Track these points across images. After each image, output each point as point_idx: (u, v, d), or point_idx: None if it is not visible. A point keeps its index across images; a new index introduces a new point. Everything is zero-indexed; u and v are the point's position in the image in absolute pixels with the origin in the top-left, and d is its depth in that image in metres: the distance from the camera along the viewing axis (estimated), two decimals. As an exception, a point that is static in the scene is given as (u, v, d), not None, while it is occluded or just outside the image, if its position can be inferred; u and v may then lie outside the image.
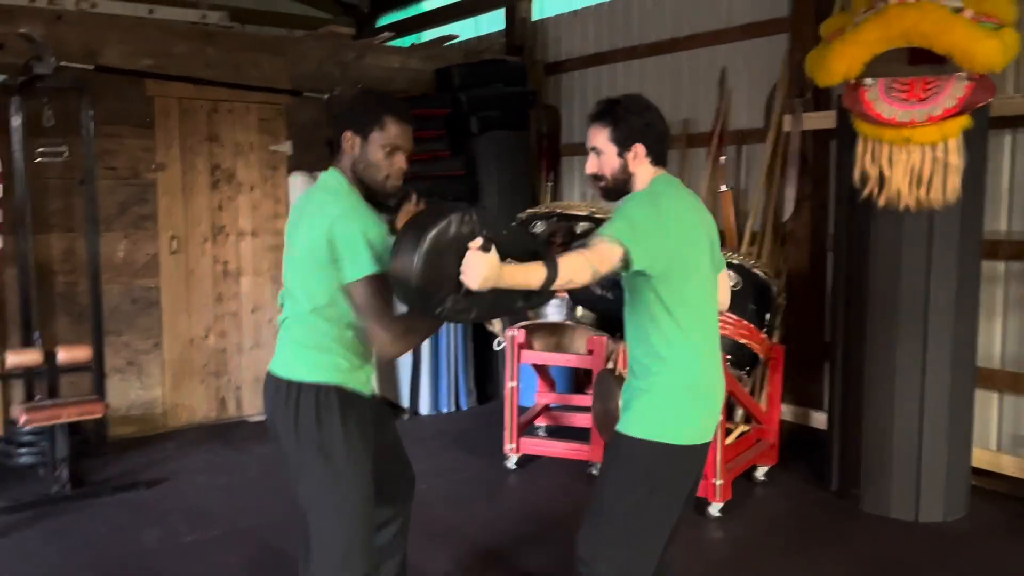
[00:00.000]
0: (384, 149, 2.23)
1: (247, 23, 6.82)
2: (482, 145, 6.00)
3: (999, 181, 4.15)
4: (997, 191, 4.15)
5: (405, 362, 5.71)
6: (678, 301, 2.21)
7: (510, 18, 6.90)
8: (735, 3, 5.37)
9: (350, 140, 2.24)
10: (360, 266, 2.11)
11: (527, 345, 4.59)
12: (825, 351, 4.66)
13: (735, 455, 4.13)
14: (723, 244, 5.11)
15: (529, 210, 4.71)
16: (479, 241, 1.92)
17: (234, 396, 5.69)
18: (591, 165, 2.34)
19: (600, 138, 2.30)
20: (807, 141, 4.81)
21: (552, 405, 5.12)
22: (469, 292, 1.94)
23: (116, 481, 4.41)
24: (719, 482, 3.88)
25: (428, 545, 3.58)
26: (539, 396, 5.07)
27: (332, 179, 2.27)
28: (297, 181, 5.61)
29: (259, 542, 3.74)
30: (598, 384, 4.14)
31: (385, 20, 8.96)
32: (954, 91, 3.57)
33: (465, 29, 7.81)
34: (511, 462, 4.61)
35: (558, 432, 5.07)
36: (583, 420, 4.94)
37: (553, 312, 4.58)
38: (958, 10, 3.50)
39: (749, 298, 4.08)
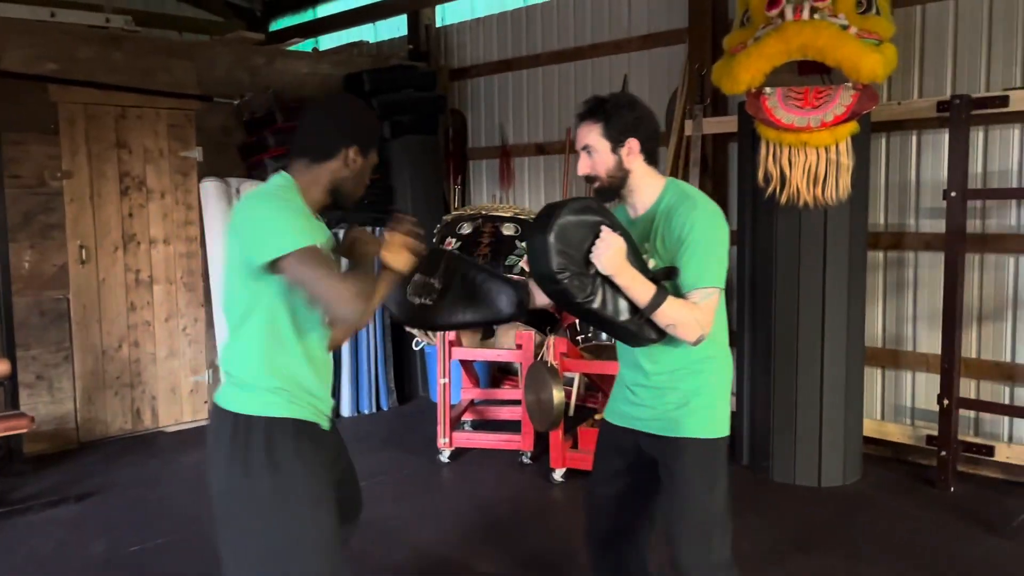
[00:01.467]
0: (371, 165, 2.18)
1: (139, 26, 6.66)
2: (395, 149, 6.12)
3: (877, 179, 4.64)
4: (876, 188, 4.64)
5: (326, 365, 5.76)
6: (720, 304, 2.22)
7: (413, 24, 7.05)
8: (635, 15, 5.72)
9: (353, 156, 2.09)
10: (289, 239, 1.89)
11: (457, 342, 4.76)
12: (731, 339, 5.05)
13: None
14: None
15: (454, 211, 4.89)
16: (609, 230, 2.06)
17: (150, 407, 5.58)
18: (583, 166, 2.24)
19: (592, 135, 2.20)
20: (707, 144, 5.19)
21: (476, 400, 5.31)
22: (596, 273, 2.05)
23: (43, 497, 4.30)
24: (647, 461, 4.18)
25: (383, 541, 3.70)
26: (464, 392, 5.25)
27: (277, 182, 2.07)
28: (209, 187, 5.57)
29: (211, 550, 3.75)
30: (530, 376, 4.39)
31: (279, 24, 8.90)
32: (842, 99, 4.00)
33: (364, 34, 7.89)
34: (445, 456, 4.77)
35: (482, 426, 5.27)
36: (507, 413, 5.17)
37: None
38: (845, 27, 3.92)
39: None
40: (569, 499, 4.26)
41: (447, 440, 4.74)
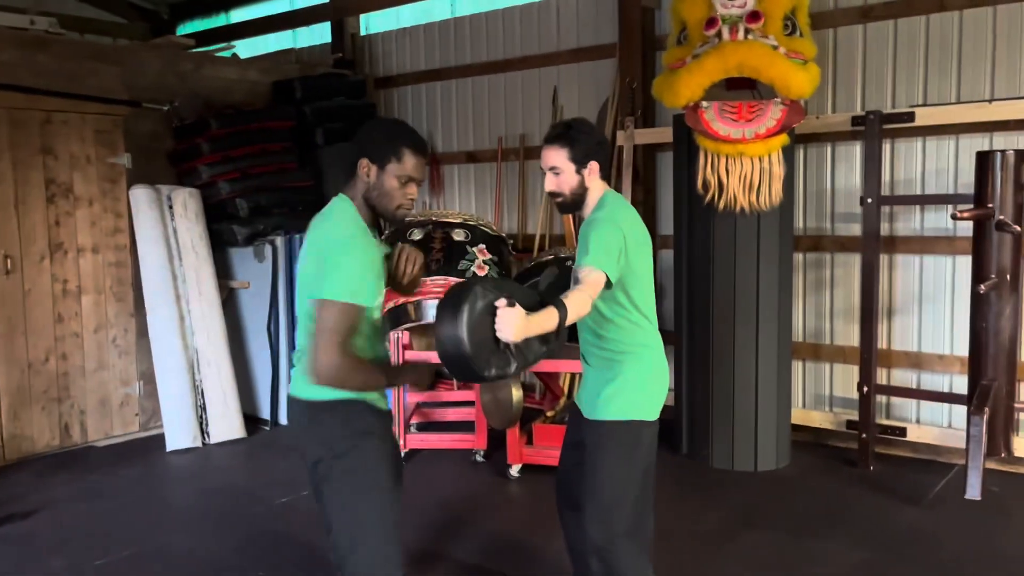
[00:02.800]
0: (400, 180, 2.27)
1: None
2: (327, 157, 6.15)
3: (797, 187, 5.04)
4: (796, 195, 5.03)
5: (264, 374, 5.73)
6: (642, 298, 2.55)
7: (338, 32, 7.08)
8: (564, 30, 5.97)
9: (366, 168, 2.27)
10: (340, 288, 2.17)
11: (409, 345, 4.86)
12: (670, 337, 5.35)
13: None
14: (563, 246, 5.72)
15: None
16: (504, 300, 2.20)
17: (79, 421, 5.40)
18: (550, 184, 2.56)
19: (559, 158, 2.52)
20: (638, 154, 5.49)
21: (421, 402, 5.41)
22: (507, 347, 2.22)
23: (-16, 517, 4.14)
24: (602, 454, 4.40)
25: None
26: (410, 395, 5.34)
27: (339, 206, 2.33)
28: (138, 194, 5.45)
29: (177, 559, 3.73)
30: (486, 376, 4.52)
31: (187, 28, 8.69)
32: (773, 114, 4.35)
33: (283, 41, 7.84)
34: (398, 458, 4.85)
35: (426, 427, 5.38)
36: (454, 414, 5.30)
37: (432, 314, 4.87)
38: (775, 47, 4.28)
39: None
40: (527, 493, 4.44)
41: (402, 442, 4.82)
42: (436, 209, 6.32)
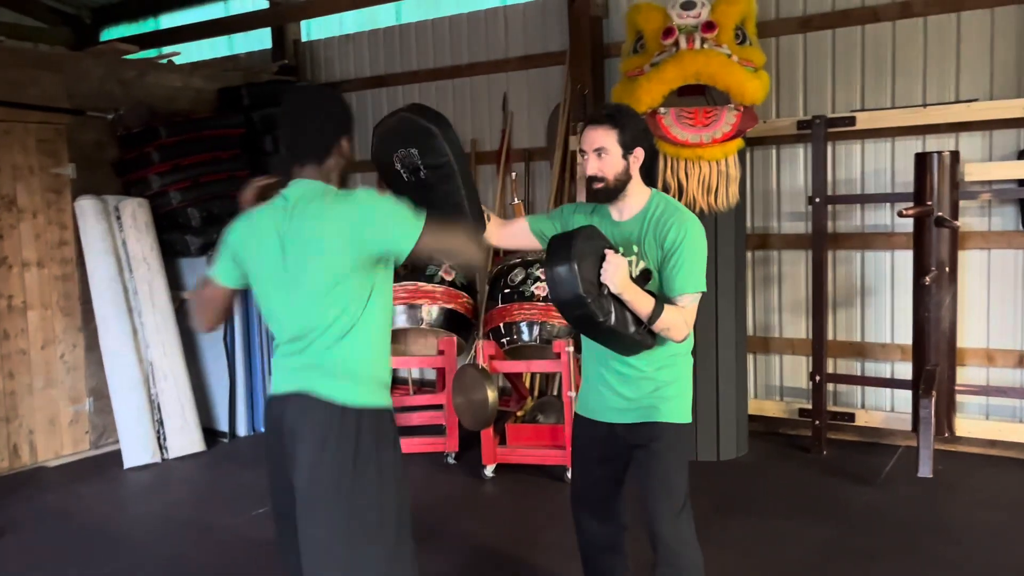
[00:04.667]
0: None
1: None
2: (277, 164, 6.09)
3: (745, 188, 5.28)
4: (745, 196, 5.27)
5: (220, 385, 5.64)
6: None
7: (279, 39, 7.01)
8: (512, 38, 6.08)
9: (345, 145, 2.22)
10: (416, 221, 2.11)
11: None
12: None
13: (574, 428, 4.81)
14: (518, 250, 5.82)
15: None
16: (612, 252, 2.30)
17: (27, 441, 5.22)
18: (592, 167, 2.40)
19: (608, 139, 2.39)
20: (591, 158, 5.63)
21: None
22: (609, 294, 2.29)
23: (-53, 544, 3.97)
24: (575, 450, 4.53)
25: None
26: (375, 401, 5.34)
27: (319, 187, 2.19)
28: (84, 206, 5.30)
29: (167, 573, 3.67)
30: (459, 379, 4.61)
31: (111, 34, 8.43)
32: (728, 119, 4.56)
33: (218, 47, 7.71)
34: (370, 464, 4.86)
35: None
36: (419, 419, 5.33)
37: (400, 319, 4.91)
38: (729, 56, 4.49)
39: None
40: (503, 492, 4.52)
41: (373, 448, 4.83)
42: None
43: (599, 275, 2.29)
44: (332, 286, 2.12)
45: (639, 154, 2.43)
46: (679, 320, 2.38)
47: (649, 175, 2.52)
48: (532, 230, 2.69)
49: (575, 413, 2.72)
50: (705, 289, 2.44)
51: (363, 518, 2.12)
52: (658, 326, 2.36)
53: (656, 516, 2.50)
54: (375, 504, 2.14)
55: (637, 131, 2.44)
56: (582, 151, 2.48)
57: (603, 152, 2.40)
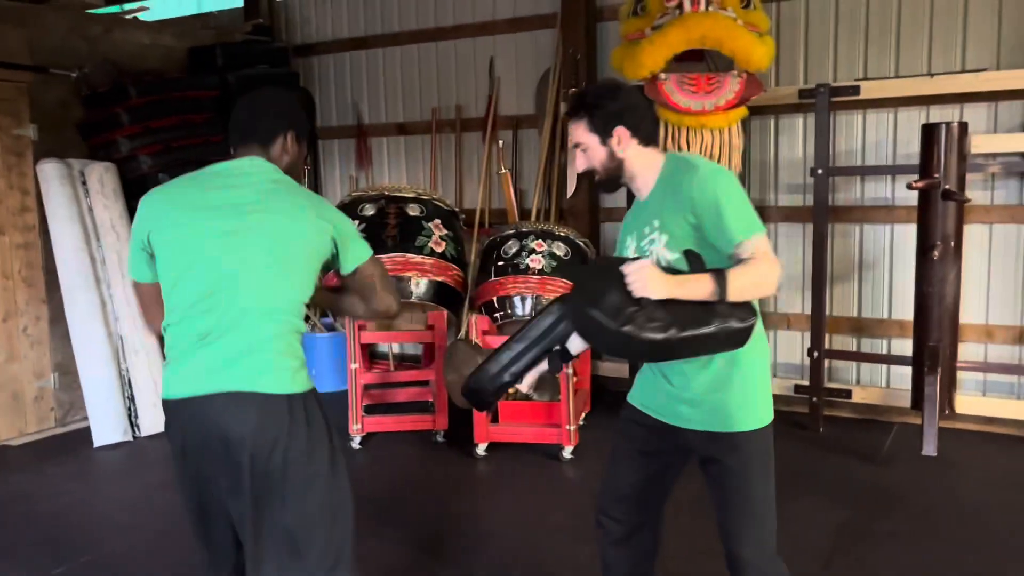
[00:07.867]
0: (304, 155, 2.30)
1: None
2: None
3: (745, 159, 5.12)
4: (744, 167, 5.13)
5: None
6: None
7: (252, -3, 6.68)
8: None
9: (294, 143, 2.20)
10: (367, 246, 2.21)
11: (363, 325, 4.67)
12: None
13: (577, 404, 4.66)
14: (505, 220, 5.64)
15: (353, 192, 4.78)
16: (628, 263, 1.98)
17: (-11, 419, 4.94)
18: (580, 163, 2.22)
19: (580, 132, 2.18)
20: (583, 126, 5.44)
21: (369, 384, 5.22)
22: (649, 302, 1.94)
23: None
24: (572, 427, 4.38)
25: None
26: (360, 377, 5.14)
27: (272, 167, 2.15)
28: (48, 170, 4.98)
29: (141, 561, 3.46)
30: (450, 354, 4.43)
31: (71, -12, 7.99)
32: (731, 86, 4.40)
33: (186, 5, 7.35)
34: (356, 442, 4.68)
35: (377, 409, 5.20)
36: (405, 395, 5.15)
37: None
38: (735, 19, 4.32)
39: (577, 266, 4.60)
40: (494, 471, 4.37)
41: (360, 426, 4.65)
42: (386, 183, 6.07)
43: (630, 295, 1.96)
44: (304, 271, 2.10)
45: (621, 134, 2.15)
46: (754, 270, 1.98)
47: (650, 141, 2.22)
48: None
49: (626, 399, 2.39)
50: (764, 229, 2.04)
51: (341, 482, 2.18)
52: (736, 295, 1.98)
53: (737, 538, 2.21)
54: (332, 488, 2.16)
55: (610, 111, 2.15)
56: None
57: (582, 146, 2.20)
